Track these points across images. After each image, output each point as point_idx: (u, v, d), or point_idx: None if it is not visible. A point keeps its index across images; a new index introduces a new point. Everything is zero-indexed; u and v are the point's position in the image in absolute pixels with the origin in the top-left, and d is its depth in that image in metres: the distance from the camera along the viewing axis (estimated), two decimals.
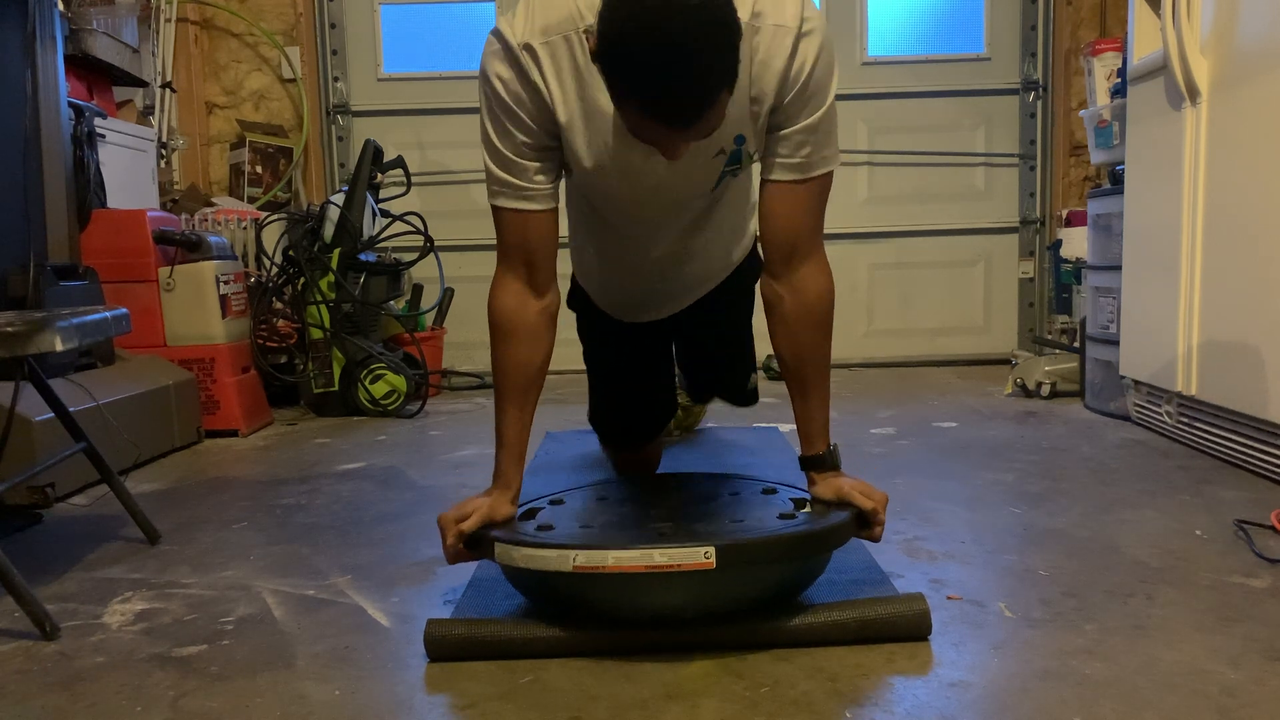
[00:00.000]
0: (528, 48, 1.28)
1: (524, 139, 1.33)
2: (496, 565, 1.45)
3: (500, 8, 3.91)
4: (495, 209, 1.39)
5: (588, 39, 1.23)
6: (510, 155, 1.34)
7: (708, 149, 1.35)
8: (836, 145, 1.37)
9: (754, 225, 1.80)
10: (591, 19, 1.22)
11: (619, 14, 1.12)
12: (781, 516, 1.30)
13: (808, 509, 1.36)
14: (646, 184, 1.42)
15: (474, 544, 1.29)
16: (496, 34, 1.30)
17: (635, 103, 1.15)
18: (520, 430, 1.39)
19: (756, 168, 1.46)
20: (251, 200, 3.85)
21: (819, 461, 1.40)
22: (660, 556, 1.12)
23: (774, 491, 1.46)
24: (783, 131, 1.33)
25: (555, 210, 1.39)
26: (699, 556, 1.12)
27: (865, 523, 1.32)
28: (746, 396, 2.05)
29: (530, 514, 1.40)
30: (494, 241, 1.41)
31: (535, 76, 1.29)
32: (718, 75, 1.12)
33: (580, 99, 1.30)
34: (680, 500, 1.46)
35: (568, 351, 3.32)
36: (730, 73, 1.13)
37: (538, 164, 1.35)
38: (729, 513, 1.36)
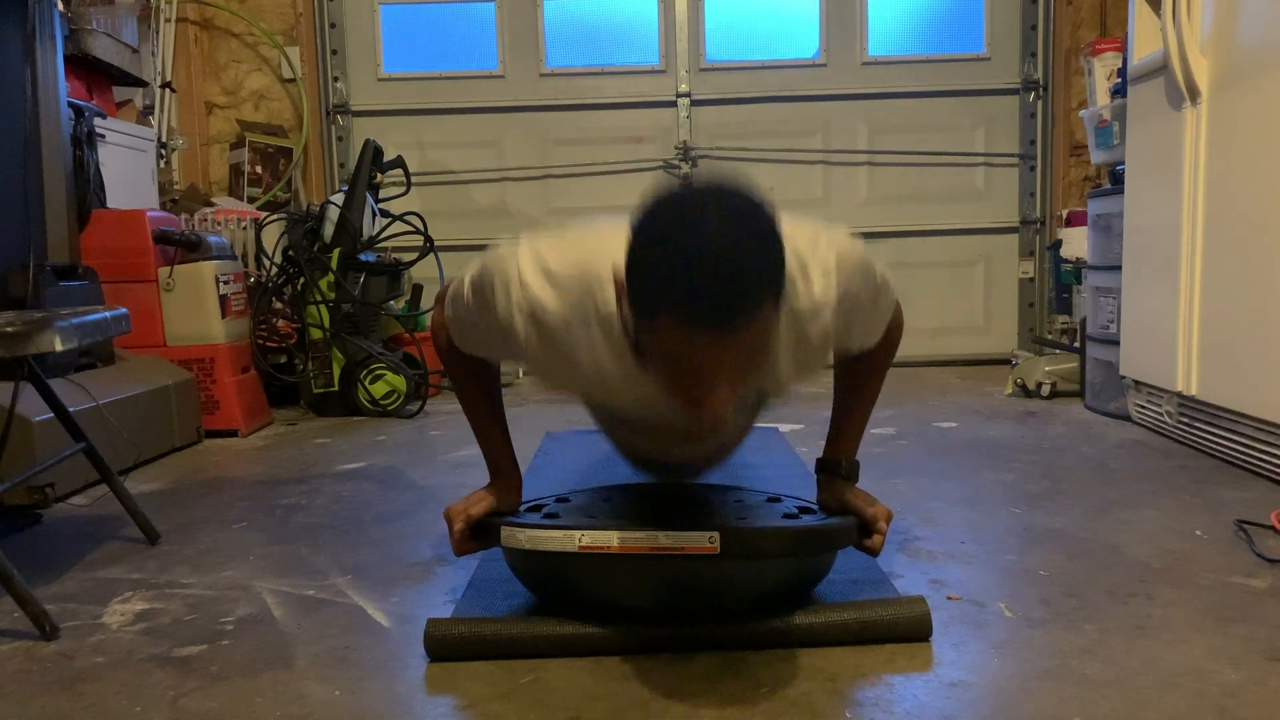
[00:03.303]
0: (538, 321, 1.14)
1: (506, 347, 1.22)
2: (497, 565, 1.45)
3: (499, 7, 3.91)
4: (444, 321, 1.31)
5: (616, 285, 1.05)
6: (482, 341, 1.27)
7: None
8: (890, 293, 1.26)
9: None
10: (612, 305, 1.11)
11: (649, 232, 0.98)
12: (786, 516, 1.31)
13: (812, 514, 1.36)
14: (662, 425, 1.32)
15: (480, 534, 1.29)
16: (517, 277, 1.14)
17: (669, 306, 0.94)
18: (502, 428, 1.39)
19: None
20: (251, 200, 3.85)
21: (834, 468, 1.39)
22: (665, 539, 1.13)
23: (779, 500, 1.46)
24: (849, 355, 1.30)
25: None
26: (703, 541, 1.13)
27: (867, 533, 1.31)
28: None
29: (536, 508, 1.41)
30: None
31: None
32: (760, 274, 0.96)
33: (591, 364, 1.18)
34: (685, 503, 1.46)
35: None
36: (775, 279, 0.98)
37: (505, 354, 1.27)
38: (734, 512, 1.36)
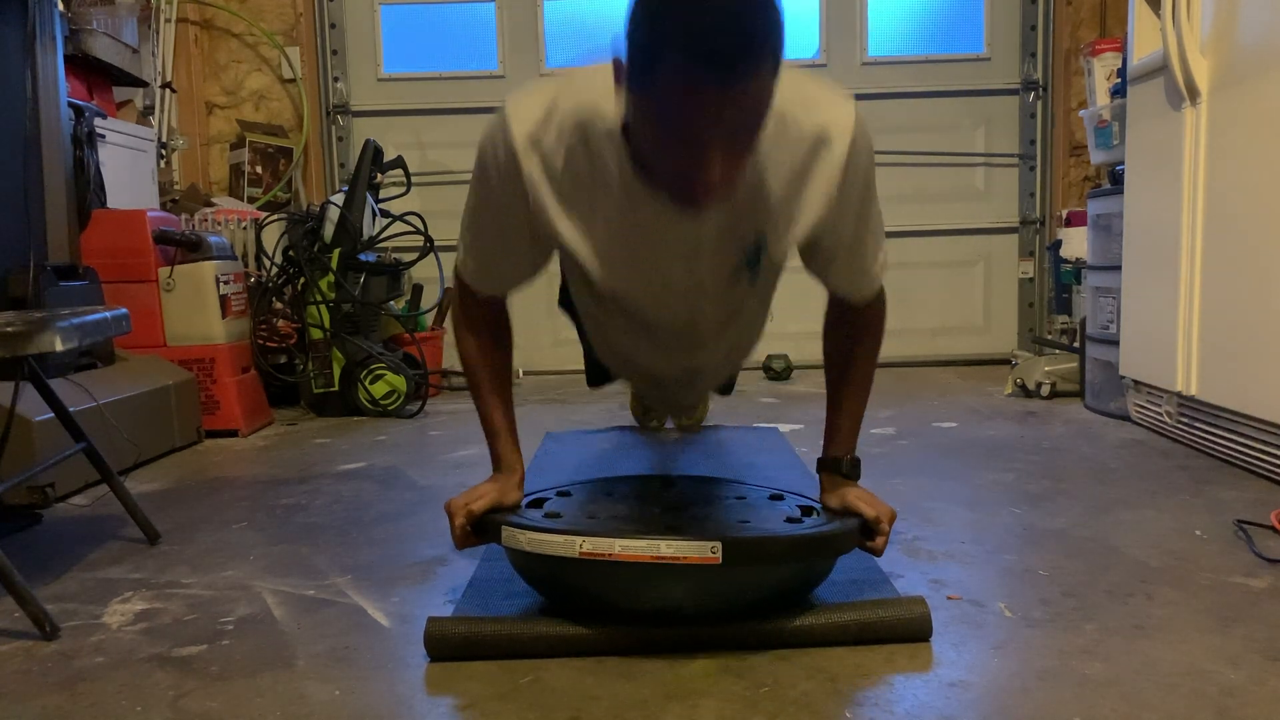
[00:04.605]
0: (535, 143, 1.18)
1: (513, 239, 1.28)
2: (497, 565, 1.46)
3: (499, 7, 3.91)
4: (458, 275, 1.37)
5: (615, 66, 1.12)
6: (489, 243, 1.31)
7: (726, 240, 1.25)
8: (883, 255, 1.34)
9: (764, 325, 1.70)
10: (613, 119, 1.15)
11: None
12: (788, 520, 1.31)
13: (814, 516, 1.36)
14: (659, 280, 1.31)
15: (481, 529, 1.29)
16: (502, 121, 1.19)
17: (673, 45, 0.99)
18: (510, 417, 1.41)
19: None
20: (251, 200, 3.85)
21: (834, 465, 1.40)
22: (667, 548, 1.13)
23: (781, 498, 1.46)
24: (832, 257, 1.30)
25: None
26: (705, 551, 1.13)
27: (869, 533, 1.32)
28: (727, 391, 2.32)
29: (538, 503, 1.41)
30: None
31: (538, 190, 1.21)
32: (765, 26, 0.99)
33: (591, 204, 1.21)
34: (687, 500, 1.46)
35: (567, 351, 3.32)
36: (777, 38, 1.01)
37: (516, 262, 1.32)
38: (736, 514, 1.36)
